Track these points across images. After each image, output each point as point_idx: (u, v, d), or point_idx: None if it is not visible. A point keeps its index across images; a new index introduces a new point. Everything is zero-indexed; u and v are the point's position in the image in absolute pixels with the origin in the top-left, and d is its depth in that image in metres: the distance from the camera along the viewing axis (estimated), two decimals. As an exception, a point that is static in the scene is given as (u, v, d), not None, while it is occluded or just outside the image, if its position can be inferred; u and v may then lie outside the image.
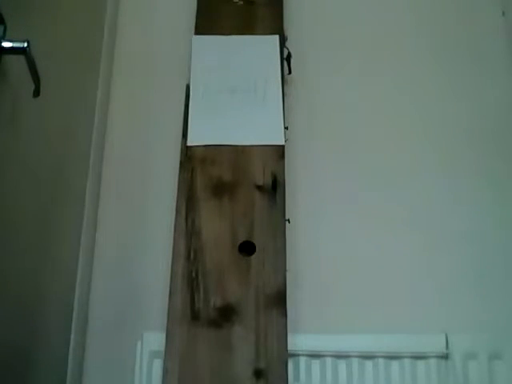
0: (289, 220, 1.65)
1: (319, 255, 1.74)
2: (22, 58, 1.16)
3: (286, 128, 1.76)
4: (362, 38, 1.99)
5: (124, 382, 1.65)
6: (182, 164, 1.70)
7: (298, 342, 1.59)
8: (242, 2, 1.95)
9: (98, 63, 1.90)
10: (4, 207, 1.28)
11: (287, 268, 1.56)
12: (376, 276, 1.72)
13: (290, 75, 1.89)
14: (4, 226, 1.28)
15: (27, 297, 1.42)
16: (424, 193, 1.80)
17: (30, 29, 1.30)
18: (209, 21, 1.91)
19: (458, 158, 1.84)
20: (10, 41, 1.16)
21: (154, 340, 1.59)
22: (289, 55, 1.88)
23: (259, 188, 1.66)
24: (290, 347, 1.50)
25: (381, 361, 1.61)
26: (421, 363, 1.61)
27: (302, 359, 1.61)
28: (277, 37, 1.87)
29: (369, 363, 1.62)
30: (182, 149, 1.72)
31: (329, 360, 1.62)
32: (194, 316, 1.51)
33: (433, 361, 1.61)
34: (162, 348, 1.48)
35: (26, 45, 1.15)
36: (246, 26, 1.90)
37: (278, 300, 1.52)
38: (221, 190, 1.66)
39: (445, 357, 1.61)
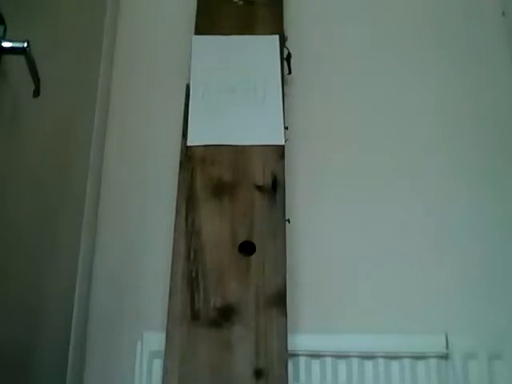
0: (289, 220, 1.65)
1: (319, 255, 1.74)
2: (21, 58, 1.16)
3: (286, 128, 1.76)
4: (362, 38, 1.99)
5: (124, 382, 1.65)
6: (182, 164, 1.70)
7: (298, 342, 1.59)
8: (241, 2, 1.95)
9: (97, 63, 1.90)
10: (4, 207, 1.28)
11: (287, 268, 1.56)
12: (376, 276, 1.72)
13: (290, 75, 1.89)
14: (4, 226, 1.28)
15: (27, 297, 1.42)
16: (424, 193, 1.80)
17: (30, 29, 1.30)
18: (209, 21, 1.91)
19: (459, 158, 1.84)
20: (10, 41, 1.16)
21: (154, 340, 1.59)
22: (289, 55, 1.88)
23: (259, 188, 1.66)
24: (290, 347, 1.50)
25: (381, 361, 1.61)
26: (421, 363, 1.61)
27: (302, 359, 1.61)
28: (277, 37, 1.87)
29: (369, 363, 1.62)
30: (182, 149, 1.72)
31: (329, 360, 1.62)
32: (194, 316, 1.51)
33: (433, 361, 1.61)
34: (162, 348, 1.48)
35: (25, 45, 1.15)
36: (246, 26, 1.90)
37: (278, 300, 1.52)
38: (221, 190, 1.66)
39: (445, 357, 1.61)
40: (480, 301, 1.68)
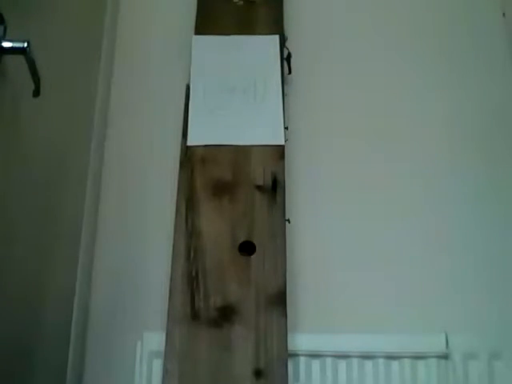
0: (289, 220, 1.65)
1: (319, 255, 1.74)
2: (21, 58, 1.16)
3: (286, 128, 1.76)
4: (362, 38, 1.99)
5: (124, 382, 1.65)
6: (182, 164, 1.70)
7: (298, 342, 1.59)
8: (241, 2, 1.95)
9: (98, 63, 1.90)
10: (4, 207, 1.28)
11: (287, 268, 1.56)
12: (376, 276, 1.72)
13: (290, 75, 1.89)
14: (4, 226, 1.28)
15: (28, 297, 1.42)
16: (425, 193, 1.80)
17: (30, 29, 1.30)
18: (209, 21, 1.92)
19: (459, 158, 1.84)
20: (10, 41, 1.16)
21: (154, 340, 1.60)
22: (289, 55, 1.88)
23: (259, 188, 1.66)
24: (290, 347, 1.50)
25: (381, 361, 1.61)
26: (421, 363, 1.61)
27: (302, 359, 1.61)
28: (277, 37, 1.87)
29: (369, 363, 1.62)
30: (182, 149, 1.72)
31: (329, 360, 1.62)
32: (194, 316, 1.51)
33: (433, 361, 1.61)
34: (162, 348, 1.48)
35: (26, 45, 1.15)
36: (246, 26, 1.90)
37: (278, 300, 1.52)
38: (221, 190, 1.66)
39: (445, 357, 1.61)
40: (480, 301, 1.68)
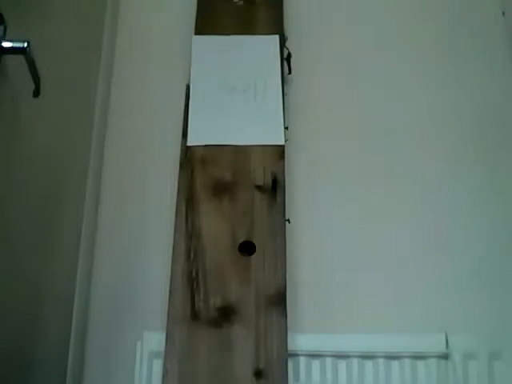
0: (289, 220, 1.65)
1: (319, 255, 1.74)
2: (21, 58, 1.16)
3: (286, 128, 1.76)
4: (362, 38, 1.99)
5: (124, 382, 1.65)
6: (182, 164, 1.70)
7: (298, 342, 1.59)
8: (241, 2, 1.95)
9: (98, 63, 1.90)
10: (4, 207, 1.28)
11: (287, 268, 1.56)
12: (376, 276, 1.72)
13: (290, 75, 1.89)
14: (4, 226, 1.28)
15: (27, 297, 1.42)
16: (424, 193, 1.80)
17: (30, 29, 1.30)
18: (209, 21, 1.91)
19: (459, 157, 1.84)
20: (10, 41, 1.16)
21: (154, 340, 1.59)
22: (289, 55, 1.88)
23: (259, 188, 1.66)
24: (289, 347, 1.50)
25: (381, 361, 1.61)
26: (421, 363, 1.61)
27: (302, 359, 1.61)
28: (277, 37, 1.87)
29: (369, 363, 1.62)
30: (182, 149, 1.72)
31: (329, 360, 1.62)
32: (194, 316, 1.51)
33: (433, 361, 1.61)
34: (162, 348, 1.48)
35: (26, 45, 1.15)
36: (246, 26, 1.90)
37: (278, 300, 1.52)
38: (221, 190, 1.66)
39: (445, 357, 1.61)
40: (480, 300, 1.68)
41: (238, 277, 1.55)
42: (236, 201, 1.64)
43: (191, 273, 1.55)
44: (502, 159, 1.84)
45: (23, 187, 1.37)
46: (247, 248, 1.59)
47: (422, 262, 1.73)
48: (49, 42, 1.44)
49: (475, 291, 1.70)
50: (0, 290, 1.27)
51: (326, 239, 1.77)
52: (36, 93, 1.22)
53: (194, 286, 1.54)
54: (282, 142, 1.72)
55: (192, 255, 1.57)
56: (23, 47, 1.15)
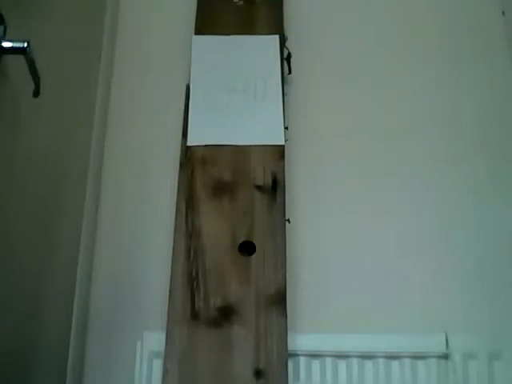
0: (289, 220, 1.65)
1: (319, 255, 1.74)
2: (21, 58, 1.16)
3: (286, 128, 1.76)
4: (362, 38, 1.99)
5: (124, 382, 1.65)
6: (182, 164, 1.70)
7: (298, 342, 1.59)
8: (241, 2, 1.95)
9: (97, 63, 1.90)
10: (4, 207, 1.28)
11: (287, 268, 1.56)
12: (376, 276, 1.72)
13: (290, 75, 1.89)
14: (4, 226, 1.28)
15: (27, 297, 1.42)
16: (424, 193, 1.80)
17: (30, 29, 1.30)
18: (209, 21, 1.92)
19: (459, 158, 1.84)
20: (10, 41, 1.16)
21: (154, 340, 1.59)
22: (289, 55, 1.88)
23: (259, 188, 1.66)
24: (289, 347, 1.50)
25: (381, 361, 1.61)
26: (421, 363, 1.61)
27: (302, 359, 1.61)
28: (277, 37, 1.87)
29: (369, 363, 1.62)
30: (181, 149, 1.72)
31: (329, 360, 1.62)
32: (194, 316, 1.51)
33: (433, 361, 1.60)
34: (162, 348, 1.49)
35: (26, 45, 1.15)
36: (246, 25, 1.90)
37: (278, 300, 1.53)
38: (221, 190, 1.66)
39: (445, 357, 1.61)
40: (480, 301, 1.68)
41: (237, 277, 1.55)
42: (236, 201, 1.65)
43: (191, 273, 1.55)
44: (502, 159, 1.84)
45: (23, 187, 1.37)
46: (247, 248, 1.59)
47: (422, 261, 1.73)
48: (49, 42, 1.44)
49: (475, 291, 1.70)
50: (0, 290, 1.27)
51: (326, 239, 1.77)
52: (36, 93, 1.22)
53: (194, 285, 1.54)
54: (281, 142, 1.72)
55: (192, 255, 1.57)
56: (23, 47, 1.15)
